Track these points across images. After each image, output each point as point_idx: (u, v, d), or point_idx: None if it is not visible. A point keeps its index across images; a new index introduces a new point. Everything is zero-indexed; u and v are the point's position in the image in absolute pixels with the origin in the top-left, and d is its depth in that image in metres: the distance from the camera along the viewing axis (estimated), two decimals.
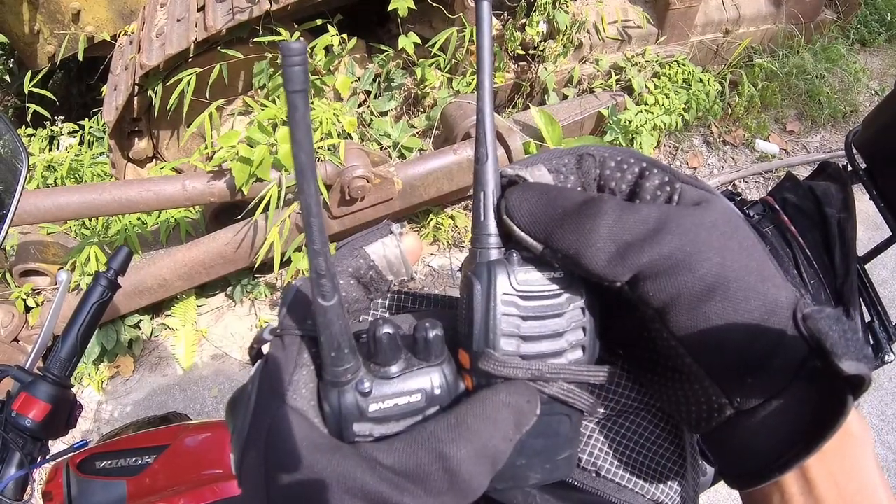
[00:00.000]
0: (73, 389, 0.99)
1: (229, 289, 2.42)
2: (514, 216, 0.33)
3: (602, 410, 0.40)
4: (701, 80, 3.16)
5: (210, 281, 2.28)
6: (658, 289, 0.31)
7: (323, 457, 0.32)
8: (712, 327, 0.31)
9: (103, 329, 2.39)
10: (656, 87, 3.04)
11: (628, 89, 2.96)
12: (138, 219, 2.39)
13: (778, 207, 1.16)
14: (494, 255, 0.35)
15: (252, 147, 1.97)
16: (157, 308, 2.42)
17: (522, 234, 0.33)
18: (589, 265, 0.32)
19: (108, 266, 1.04)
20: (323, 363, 0.34)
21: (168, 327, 2.43)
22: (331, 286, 0.32)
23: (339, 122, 2.20)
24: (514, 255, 0.35)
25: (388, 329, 0.34)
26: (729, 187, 3.24)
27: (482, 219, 0.35)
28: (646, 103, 2.95)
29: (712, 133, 3.35)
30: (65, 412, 0.94)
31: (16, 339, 2.48)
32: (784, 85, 3.55)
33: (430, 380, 0.35)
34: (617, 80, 2.92)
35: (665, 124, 2.93)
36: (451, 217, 2.48)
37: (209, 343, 2.39)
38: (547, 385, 0.34)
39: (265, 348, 0.38)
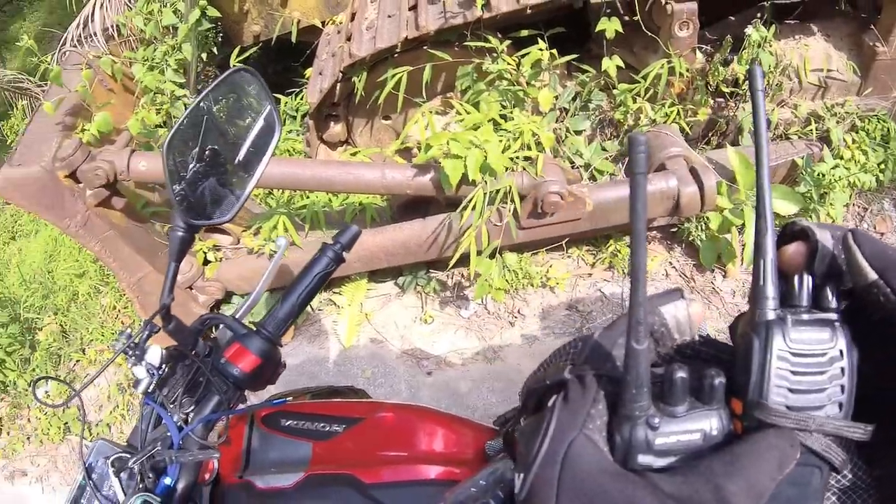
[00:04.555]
0: (281, 349, 1.00)
1: (401, 279, 2.48)
2: (862, 246, 0.40)
3: (848, 475, 0.43)
4: None
5: (385, 268, 2.35)
6: None
7: (612, 480, 0.36)
8: None
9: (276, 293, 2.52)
10: (854, 141, 2.85)
11: (825, 140, 2.79)
12: (327, 198, 2.49)
13: None
14: (771, 315, 0.40)
15: (461, 145, 2.00)
16: (328, 283, 2.51)
17: (864, 261, 0.39)
18: None
19: (336, 240, 1.04)
20: (621, 399, 0.40)
21: (334, 303, 2.52)
22: (644, 333, 0.38)
23: (537, 135, 2.20)
24: (789, 316, 0.40)
25: (683, 373, 0.39)
26: None
27: (761, 283, 0.41)
28: (842, 157, 2.77)
29: None
30: (270, 369, 0.96)
31: (190, 287, 2.67)
32: None
33: (710, 422, 0.39)
34: (815, 129, 2.75)
35: (860, 182, 2.73)
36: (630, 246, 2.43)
37: (371, 326, 2.47)
38: (808, 436, 0.38)
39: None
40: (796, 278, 0.42)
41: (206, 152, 0.93)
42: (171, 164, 0.88)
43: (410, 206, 2.35)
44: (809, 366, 0.39)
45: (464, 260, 2.16)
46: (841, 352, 0.39)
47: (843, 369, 0.39)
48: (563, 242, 2.39)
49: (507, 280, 2.31)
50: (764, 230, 0.42)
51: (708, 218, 2.41)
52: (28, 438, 2.97)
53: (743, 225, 2.34)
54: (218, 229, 2.71)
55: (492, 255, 2.14)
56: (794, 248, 0.45)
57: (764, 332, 0.40)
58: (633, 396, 0.39)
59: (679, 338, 0.44)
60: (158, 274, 2.59)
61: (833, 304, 0.41)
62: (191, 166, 0.91)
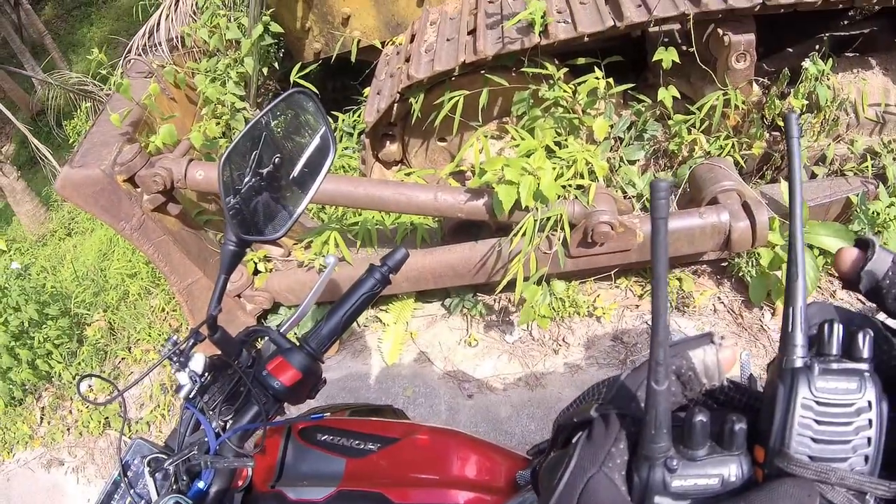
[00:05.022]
0: (323, 366, 1.01)
1: (448, 300, 2.51)
2: None
3: None
4: None
5: (433, 289, 2.38)
6: None
7: None
8: None
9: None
10: None
11: (881, 177, 2.73)
12: (379, 216, 2.54)
13: None
14: (798, 363, 0.40)
15: (514, 171, 2.02)
16: (375, 300, 2.56)
17: None
18: None
19: (384, 262, 1.05)
20: (641, 439, 0.40)
21: (380, 321, 2.56)
22: (664, 374, 0.38)
23: (590, 164, 2.21)
24: (816, 364, 0.40)
25: (702, 417, 0.40)
26: None
27: (790, 330, 0.41)
28: None
29: None
30: (311, 383, 0.97)
31: (238, 296, 2.74)
32: None
33: (729, 468, 0.40)
34: (871, 166, 2.70)
35: None
36: (679, 279, 2.42)
37: (415, 346, 2.50)
38: (829, 489, 0.37)
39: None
40: (826, 326, 0.42)
41: (262, 168, 0.95)
42: (227, 178, 0.91)
43: (461, 229, 2.38)
44: (835, 416, 0.38)
45: (511, 285, 2.18)
46: (869, 403, 0.38)
47: (870, 421, 0.38)
48: (612, 272, 2.39)
49: (553, 308, 2.32)
50: (794, 277, 0.42)
51: (759, 254, 2.38)
52: (68, 429, 3.07)
53: None
54: (270, 241, 2.78)
55: (539, 282, 2.15)
56: (848, 252, 0.46)
57: (789, 380, 0.40)
58: (652, 437, 0.40)
59: (707, 382, 0.44)
60: (208, 280, 2.66)
61: (865, 353, 0.40)
62: (246, 180, 0.93)
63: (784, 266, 2.37)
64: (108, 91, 3.17)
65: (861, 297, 0.47)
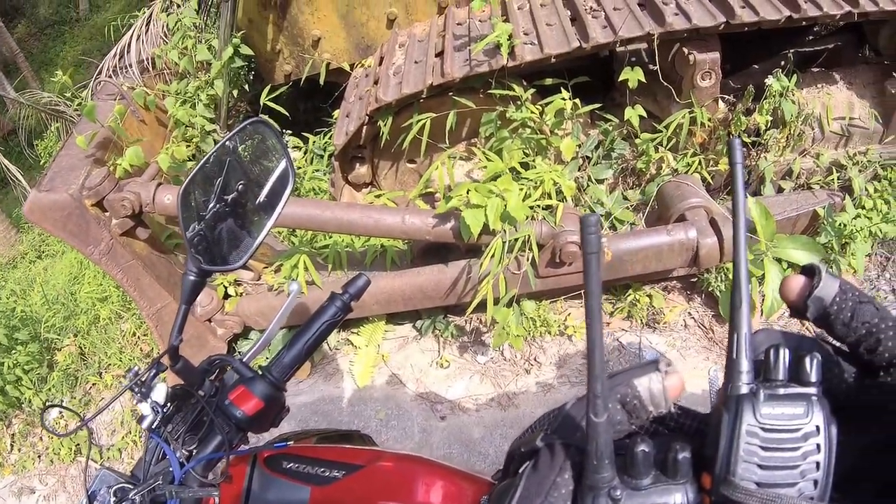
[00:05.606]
0: (285, 394, 1.02)
1: (419, 322, 2.50)
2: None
3: None
4: None
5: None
6: None
7: None
8: None
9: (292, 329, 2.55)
10: (876, 190, 2.83)
11: (847, 189, 2.77)
12: (349, 238, 2.53)
13: None
14: (744, 390, 0.40)
15: (481, 195, 2.03)
16: (345, 322, 2.54)
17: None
18: None
19: (346, 290, 1.05)
20: (584, 470, 0.41)
21: (351, 343, 2.54)
22: (602, 406, 0.39)
23: (558, 184, 2.22)
24: (762, 390, 0.40)
25: (644, 447, 0.40)
26: None
27: (734, 357, 0.41)
28: (864, 207, 2.75)
29: None
30: (273, 412, 0.98)
31: (209, 320, 2.71)
32: None
33: (674, 497, 0.40)
34: (837, 179, 2.74)
35: (882, 233, 2.71)
36: (649, 296, 2.43)
37: (387, 368, 2.48)
38: None
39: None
40: (772, 352, 0.41)
41: (228, 193, 0.95)
42: (190, 206, 0.91)
43: (431, 251, 2.37)
44: (782, 441, 0.38)
45: (482, 306, 2.18)
46: (817, 427, 0.38)
47: (818, 445, 0.38)
48: (582, 291, 2.39)
49: (524, 327, 2.32)
50: (738, 303, 0.42)
51: (728, 269, 2.40)
52: (39, 457, 3.01)
53: (763, 276, 2.33)
54: None
55: (509, 304, 2.15)
56: (794, 280, 0.46)
57: (734, 407, 0.39)
58: (594, 468, 0.40)
59: (654, 410, 0.44)
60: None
61: (813, 377, 0.40)
62: (211, 206, 0.93)
63: (754, 280, 2.39)
64: (79, 112, 3.14)
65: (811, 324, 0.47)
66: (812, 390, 0.40)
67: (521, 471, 0.45)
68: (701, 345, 2.45)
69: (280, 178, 1.02)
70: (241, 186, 0.98)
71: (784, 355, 0.41)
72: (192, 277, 0.88)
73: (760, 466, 0.38)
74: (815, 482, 0.38)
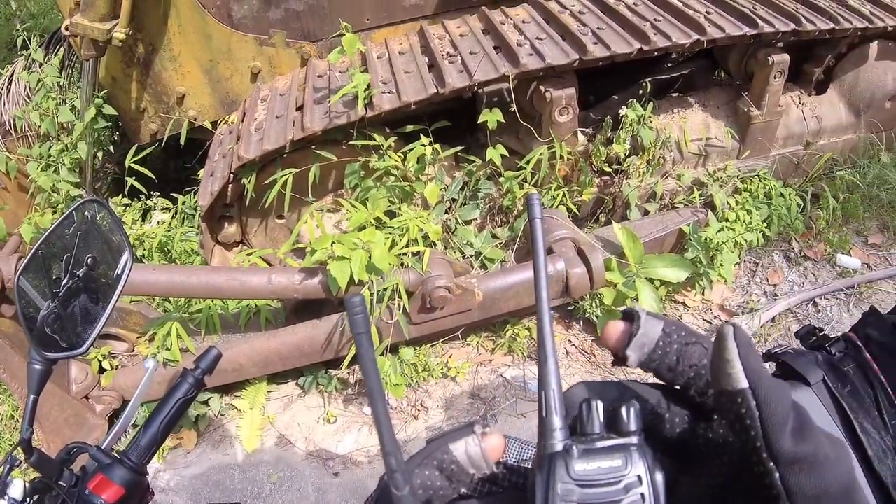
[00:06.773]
0: (147, 477, 1.00)
1: (301, 379, 2.45)
2: (741, 347, 0.37)
3: None
4: (782, 195, 3.11)
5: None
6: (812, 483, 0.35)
7: None
8: None
9: None
10: (738, 202, 3.01)
11: (710, 205, 2.93)
12: (222, 301, 2.46)
13: (861, 344, 1.10)
14: (558, 447, 0.39)
15: (345, 247, 2.02)
16: (227, 387, 2.46)
17: (739, 364, 0.36)
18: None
19: (197, 365, 1.05)
20: None
21: (236, 408, 2.46)
22: (402, 479, 0.38)
23: (423, 230, 2.24)
24: (574, 446, 0.39)
25: None
26: (809, 305, 3.14)
27: (545, 415, 0.40)
28: (727, 219, 2.91)
29: (793, 248, 3.27)
30: (136, 498, 0.96)
31: (86, 397, 2.56)
32: (866, 196, 3.45)
33: None
34: (699, 196, 2.90)
35: (747, 241, 2.88)
36: (528, 329, 2.48)
37: (275, 429, 2.41)
38: None
39: None
40: (584, 406, 0.40)
41: (78, 269, 0.95)
42: (37, 286, 0.89)
43: (304, 307, 2.34)
44: (601, 496, 0.37)
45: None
46: (639, 477, 0.37)
47: (643, 495, 0.37)
48: (460, 332, 2.42)
49: (405, 375, 2.31)
50: (545, 360, 0.40)
51: (601, 294, 2.47)
52: None
53: (636, 297, 2.42)
54: (112, 336, 2.63)
55: (384, 353, 2.14)
56: (612, 327, 0.44)
57: (546, 466, 0.38)
58: None
59: (476, 472, 0.42)
60: (52, 384, 2.49)
61: (632, 426, 0.39)
62: (64, 282, 0.92)
63: (629, 301, 2.48)
64: None
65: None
66: (632, 440, 0.38)
67: None
68: (585, 370, 2.51)
69: (120, 255, 1.04)
70: (90, 260, 0.98)
71: (597, 407, 0.40)
72: (37, 366, 0.86)
73: None
74: None
